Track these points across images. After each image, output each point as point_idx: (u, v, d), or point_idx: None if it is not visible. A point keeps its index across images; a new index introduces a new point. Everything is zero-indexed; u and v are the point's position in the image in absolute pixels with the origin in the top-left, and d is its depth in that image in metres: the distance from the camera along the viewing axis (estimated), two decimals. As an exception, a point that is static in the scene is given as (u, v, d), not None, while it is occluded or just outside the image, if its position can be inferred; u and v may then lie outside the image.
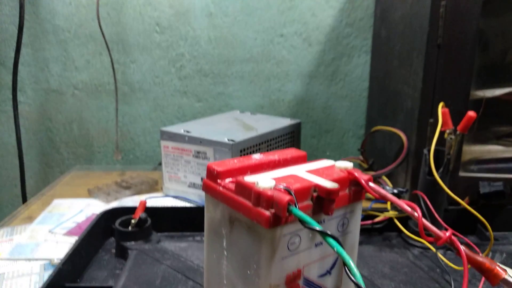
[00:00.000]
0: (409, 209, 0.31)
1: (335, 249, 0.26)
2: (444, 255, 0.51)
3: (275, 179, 0.32)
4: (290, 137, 0.80)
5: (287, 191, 0.30)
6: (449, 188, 0.52)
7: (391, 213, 0.56)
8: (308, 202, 0.32)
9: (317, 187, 0.31)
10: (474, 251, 0.32)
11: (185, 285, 0.45)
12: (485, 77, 0.63)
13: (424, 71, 0.59)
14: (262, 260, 0.31)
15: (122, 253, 0.52)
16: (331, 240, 0.27)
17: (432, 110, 0.60)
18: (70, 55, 0.95)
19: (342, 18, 0.94)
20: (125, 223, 0.55)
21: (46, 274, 0.50)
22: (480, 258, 0.30)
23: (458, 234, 0.48)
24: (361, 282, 0.25)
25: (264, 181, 0.31)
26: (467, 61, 0.58)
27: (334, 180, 0.32)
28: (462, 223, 0.57)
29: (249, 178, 0.32)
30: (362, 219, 0.56)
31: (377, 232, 0.58)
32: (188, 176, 0.71)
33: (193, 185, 0.71)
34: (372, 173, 0.70)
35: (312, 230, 0.27)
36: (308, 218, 0.28)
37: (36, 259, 0.54)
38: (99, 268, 0.50)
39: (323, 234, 0.27)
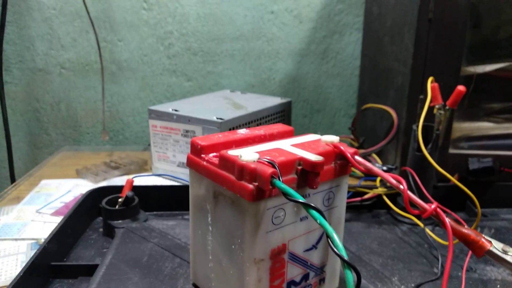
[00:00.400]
0: (394, 181, 0.31)
1: (318, 221, 0.26)
2: (432, 231, 0.51)
3: (259, 152, 0.32)
4: (281, 116, 0.79)
5: (271, 164, 0.29)
6: (438, 165, 0.52)
7: (380, 190, 0.56)
8: (293, 176, 0.31)
9: (301, 160, 0.31)
10: (461, 225, 0.32)
11: (172, 262, 0.44)
12: (477, 53, 0.62)
13: (414, 47, 0.58)
14: (246, 234, 0.31)
15: (109, 232, 0.52)
16: (313, 212, 0.26)
17: (422, 86, 0.59)
18: (56, 33, 0.93)
19: (333, -5, 0.92)
20: (112, 202, 0.54)
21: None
22: (465, 230, 0.30)
23: (445, 208, 0.48)
24: (343, 253, 0.25)
25: (247, 154, 0.30)
26: (458, 36, 0.57)
27: (319, 154, 0.32)
28: (451, 200, 0.57)
29: (233, 152, 0.32)
30: (351, 196, 0.56)
31: (366, 209, 0.58)
32: (177, 156, 0.70)
33: (182, 165, 0.70)
34: (362, 151, 0.69)
35: (295, 202, 0.27)
36: (291, 191, 0.27)
37: (23, 239, 0.54)
38: (86, 247, 0.50)
39: (306, 206, 0.26)
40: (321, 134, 0.37)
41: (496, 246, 0.29)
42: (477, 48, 0.62)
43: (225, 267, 0.34)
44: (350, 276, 0.25)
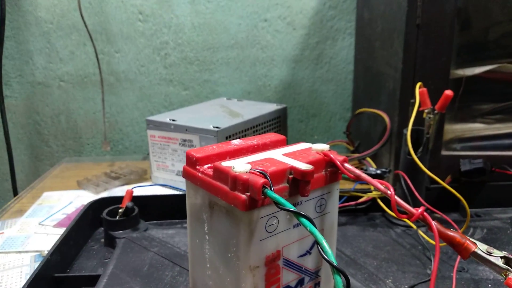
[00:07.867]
0: (382, 187, 0.32)
1: (308, 228, 0.27)
2: (425, 232, 0.52)
3: (251, 163, 0.33)
4: (277, 122, 0.80)
5: (263, 174, 0.31)
6: (431, 167, 0.53)
7: (374, 194, 0.57)
8: (284, 184, 0.32)
9: (292, 169, 0.32)
10: (451, 228, 0.33)
11: (172, 271, 0.45)
12: (466, 55, 0.63)
13: (404, 52, 0.60)
14: (241, 242, 0.32)
15: (110, 243, 0.53)
16: (303, 220, 0.27)
17: (413, 90, 0.60)
18: (54, 47, 0.94)
19: (325, 1, 0.93)
20: (112, 212, 0.55)
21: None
22: (451, 232, 0.31)
23: (436, 210, 0.49)
24: (332, 259, 0.26)
25: (240, 165, 0.31)
26: (446, 40, 0.59)
27: (310, 162, 0.33)
28: (444, 201, 0.58)
29: (226, 163, 0.33)
30: (346, 201, 0.57)
31: (362, 213, 0.59)
32: (176, 165, 0.71)
33: (180, 173, 0.71)
34: (357, 155, 0.71)
35: (286, 210, 0.28)
36: (281, 200, 0.28)
37: (27, 251, 0.55)
38: (88, 258, 0.51)
39: (296, 214, 0.28)
40: (318, 138, 0.38)
41: (481, 248, 0.30)
42: (466, 50, 0.63)
43: (222, 274, 0.35)
44: (340, 281, 0.26)
